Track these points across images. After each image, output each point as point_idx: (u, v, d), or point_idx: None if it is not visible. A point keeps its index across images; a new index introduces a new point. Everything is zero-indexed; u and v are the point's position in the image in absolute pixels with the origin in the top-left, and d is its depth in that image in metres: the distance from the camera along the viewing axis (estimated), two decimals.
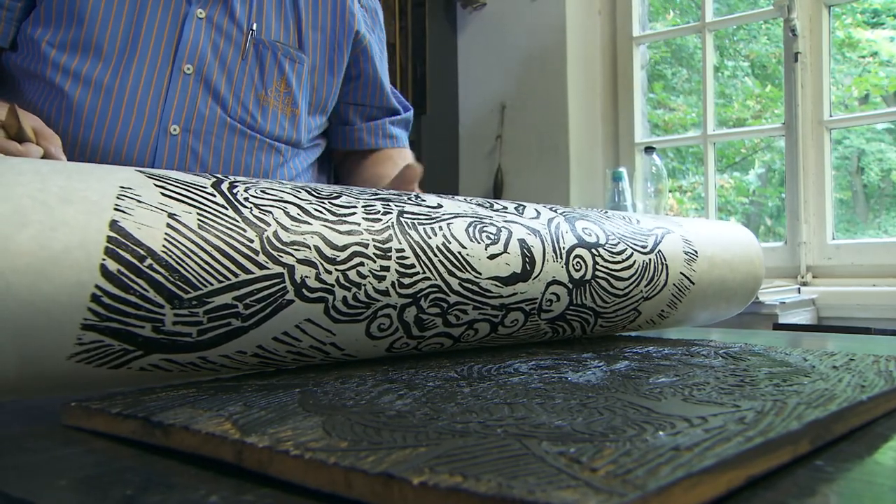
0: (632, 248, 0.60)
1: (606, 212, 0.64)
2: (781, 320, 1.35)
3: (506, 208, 0.56)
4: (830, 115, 1.66)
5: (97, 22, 0.88)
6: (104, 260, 0.37)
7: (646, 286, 0.61)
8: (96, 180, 0.40)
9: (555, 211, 0.59)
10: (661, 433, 0.31)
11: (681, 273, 0.64)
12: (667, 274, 0.63)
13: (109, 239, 0.38)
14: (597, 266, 0.58)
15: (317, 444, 0.30)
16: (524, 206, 0.57)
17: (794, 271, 1.63)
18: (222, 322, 0.41)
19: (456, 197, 0.56)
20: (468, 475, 0.25)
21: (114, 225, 0.38)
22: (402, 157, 1.13)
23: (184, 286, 0.40)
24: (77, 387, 0.42)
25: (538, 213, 0.57)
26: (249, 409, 0.37)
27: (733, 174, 2.31)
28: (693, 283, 0.65)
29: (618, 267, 0.59)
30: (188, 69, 0.92)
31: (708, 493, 0.26)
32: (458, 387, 0.43)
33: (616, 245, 0.59)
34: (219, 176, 0.46)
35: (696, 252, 0.65)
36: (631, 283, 0.60)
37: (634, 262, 0.60)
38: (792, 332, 1.13)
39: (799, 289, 1.48)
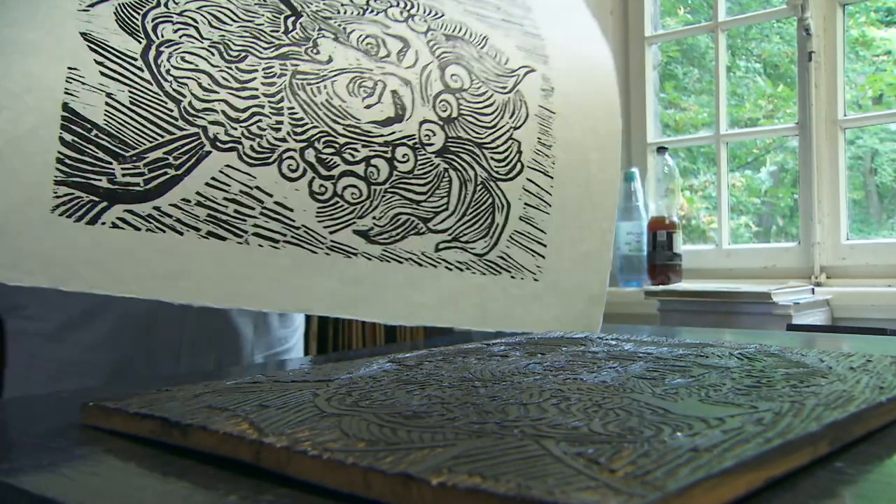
0: (492, 90, 0.71)
1: (484, 42, 0.73)
2: (795, 321, 1.34)
3: (388, 55, 0.66)
4: (845, 115, 1.65)
5: None
6: (61, 133, 0.51)
7: (510, 118, 0.71)
8: (47, 60, 0.52)
9: (433, 52, 0.69)
10: (678, 434, 0.31)
11: (539, 106, 0.73)
12: (526, 109, 0.72)
13: (63, 118, 0.51)
14: (461, 106, 0.68)
15: (334, 444, 0.30)
16: (407, 50, 0.67)
17: (807, 272, 1.62)
18: (160, 172, 0.54)
19: (349, 39, 0.65)
20: (487, 475, 0.25)
21: (66, 107, 0.51)
22: None
23: (124, 147, 0.53)
24: (62, 253, 0.50)
25: (416, 58, 0.68)
26: (266, 408, 0.38)
27: (745, 173, 2.29)
28: (554, 112, 0.74)
29: (479, 106, 0.70)
30: None
31: (727, 495, 0.26)
32: (474, 387, 0.43)
33: (479, 88, 0.70)
34: (152, 37, 0.57)
35: (552, 88, 0.75)
36: (495, 117, 0.70)
37: (494, 101, 0.71)
38: (806, 332, 1.13)
39: (813, 289, 1.47)
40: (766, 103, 2.22)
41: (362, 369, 0.50)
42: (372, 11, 0.68)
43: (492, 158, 0.69)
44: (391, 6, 0.69)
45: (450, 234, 0.66)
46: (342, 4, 0.67)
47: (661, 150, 1.79)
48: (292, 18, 0.63)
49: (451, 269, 0.66)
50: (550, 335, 0.71)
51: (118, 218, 0.51)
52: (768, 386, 0.41)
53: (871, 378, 0.43)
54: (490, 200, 0.69)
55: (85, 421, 0.41)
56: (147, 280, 0.52)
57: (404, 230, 0.64)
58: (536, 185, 0.72)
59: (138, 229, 0.52)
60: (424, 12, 0.71)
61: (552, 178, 0.72)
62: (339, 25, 0.65)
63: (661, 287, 1.59)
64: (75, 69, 0.52)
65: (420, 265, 0.64)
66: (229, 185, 0.55)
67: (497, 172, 0.69)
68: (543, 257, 0.71)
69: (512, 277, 0.69)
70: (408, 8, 0.70)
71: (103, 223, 0.51)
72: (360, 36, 0.65)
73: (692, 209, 2.19)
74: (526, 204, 0.71)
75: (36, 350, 0.77)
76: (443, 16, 0.72)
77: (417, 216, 0.65)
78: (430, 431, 0.32)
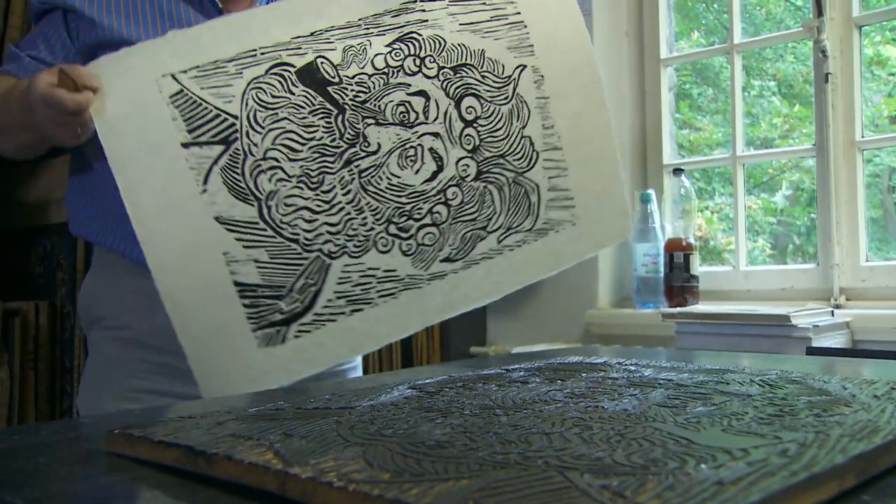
0: (498, 105, 0.87)
1: (482, 58, 0.87)
2: (815, 344, 1.32)
3: (417, 117, 0.83)
4: (863, 136, 1.64)
5: None
6: (242, 301, 0.76)
7: (517, 121, 0.88)
8: (210, 256, 0.76)
9: (448, 93, 0.85)
10: (703, 466, 0.31)
11: (536, 98, 0.90)
12: (527, 107, 0.89)
13: (238, 292, 0.76)
14: (480, 133, 0.86)
15: (359, 474, 0.30)
16: (429, 104, 0.84)
17: (826, 293, 1.61)
18: (307, 292, 0.78)
19: (385, 115, 0.82)
20: None
21: (236, 283, 0.76)
22: None
23: (279, 289, 0.77)
24: (277, 365, 0.77)
25: (437, 108, 0.85)
26: (290, 437, 0.38)
27: (760, 195, 2.28)
28: (548, 97, 0.91)
29: (492, 125, 0.87)
30: None
31: None
32: (495, 415, 0.43)
33: (488, 109, 0.87)
34: (258, 195, 0.77)
35: (542, 77, 0.90)
36: (506, 128, 0.87)
37: (502, 114, 0.88)
38: (827, 356, 1.11)
39: (832, 311, 1.46)
40: (781, 123, 2.21)
41: (383, 396, 0.50)
42: (393, 74, 0.84)
43: (514, 161, 0.89)
44: (406, 56, 0.85)
45: (504, 227, 0.89)
46: (370, 76, 0.83)
47: (678, 171, 1.79)
48: (340, 118, 0.81)
49: (513, 249, 0.89)
50: (569, 360, 0.71)
51: (296, 331, 0.78)
52: (791, 415, 0.41)
53: (895, 407, 0.42)
54: (523, 190, 0.90)
55: (109, 448, 0.41)
56: (325, 357, 0.80)
57: (472, 242, 0.87)
58: (551, 160, 0.91)
59: (309, 332, 0.79)
60: (431, 48, 0.86)
61: (561, 148, 0.92)
62: (374, 105, 0.83)
63: (678, 309, 1.58)
64: (228, 252, 0.76)
65: (492, 258, 0.88)
66: (350, 276, 0.80)
67: (520, 168, 0.89)
68: (574, 207, 0.92)
69: (556, 232, 0.92)
70: (417, 52, 0.85)
71: (289, 338, 0.78)
72: (392, 107, 0.83)
73: (711, 230, 2.19)
74: (549, 178, 0.91)
75: (117, 354, 0.87)
76: (445, 44, 0.87)
77: (477, 228, 0.88)
78: (454, 462, 0.32)
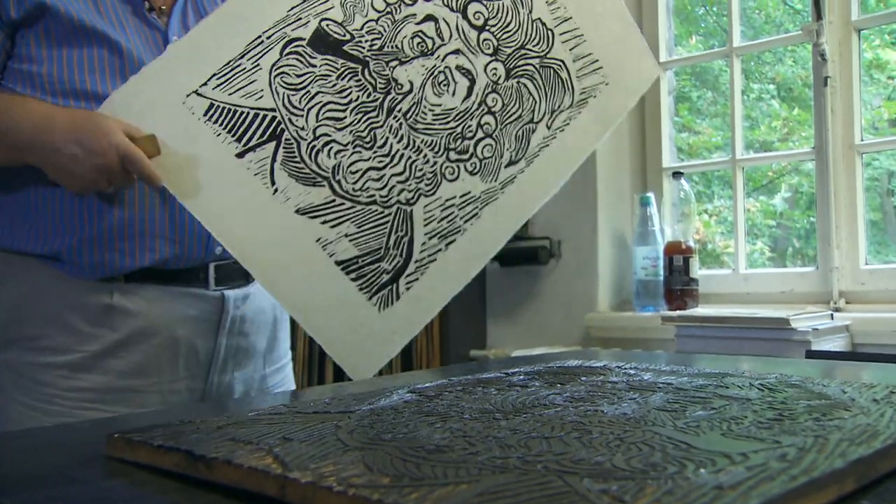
0: (499, 0, 0.90)
1: None
2: (814, 347, 1.32)
3: (434, 42, 0.86)
4: (862, 140, 1.64)
5: None
6: (348, 276, 0.80)
7: (522, 8, 0.91)
8: (304, 250, 0.78)
9: (451, 7, 0.87)
10: (702, 470, 0.31)
11: None
12: None
13: (342, 269, 0.80)
14: (494, 34, 0.89)
15: (359, 479, 0.30)
16: (439, 25, 0.86)
17: (826, 297, 1.61)
18: (401, 245, 0.83)
19: (404, 50, 0.84)
20: None
21: (337, 262, 0.79)
22: None
23: (375, 251, 0.81)
24: (401, 321, 0.84)
25: (448, 25, 0.87)
26: (289, 441, 0.38)
27: (759, 198, 2.28)
28: None
29: (502, 22, 0.90)
30: None
31: None
32: (495, 419, 0.43)
33: (492, 8, 0.89)
34: (324, 173, 0.80)
35: None
36: (514, 19, 0.90)
37: (507, 7, 0.90)
38: (826, 359, 1.11)
39: (832, 315, 1.46)
40: (780, 126, 2.22)
41: (383, 400, 0.50)
42: (396, 11, 0.85)
43: (534, 47, 0.93)
44: None
45: (548, 112, 0.93)
46: (377, 21, 0.84)
47: (677, 174, 1.79)
48: (366, 71, 0.83)
49: (563, 129, 0.94)
50: (568, 364, 0.71)
51: (406, 284, 0.83)
52: (791, 419, 0.41)
53: (895, 411, 0.42)
54: (552, 71, 0.93)
55: (109, 452, 0.41)
56: (439, 297, 0.86)
57: (526, 137, 0.92)
58: (567, 31, 0.95)
59: (417, 279, 0.84)
60: None
61: (571, 17, 0.95)
62: (391, 47, 0.84)
63: (677, 312, 1.58)
64: (320, 238, 0.79)
65: (549, 145, 0.93)
66: (433, 214, 0.85)
67: (542, 51, 0.93)
68: (602, 67, 0.96)
69: (595, 98, 0.96)
70: None
71: (402, 293, 0.83)
72: (408, 42, 0.85)
73: (708, 234, 2.18)
74: (570, 49, 0.95)
75: (58, 382, 0.77)
76: None
77: (525, 123, 0.91)
78: (453, 466, 0.32)
